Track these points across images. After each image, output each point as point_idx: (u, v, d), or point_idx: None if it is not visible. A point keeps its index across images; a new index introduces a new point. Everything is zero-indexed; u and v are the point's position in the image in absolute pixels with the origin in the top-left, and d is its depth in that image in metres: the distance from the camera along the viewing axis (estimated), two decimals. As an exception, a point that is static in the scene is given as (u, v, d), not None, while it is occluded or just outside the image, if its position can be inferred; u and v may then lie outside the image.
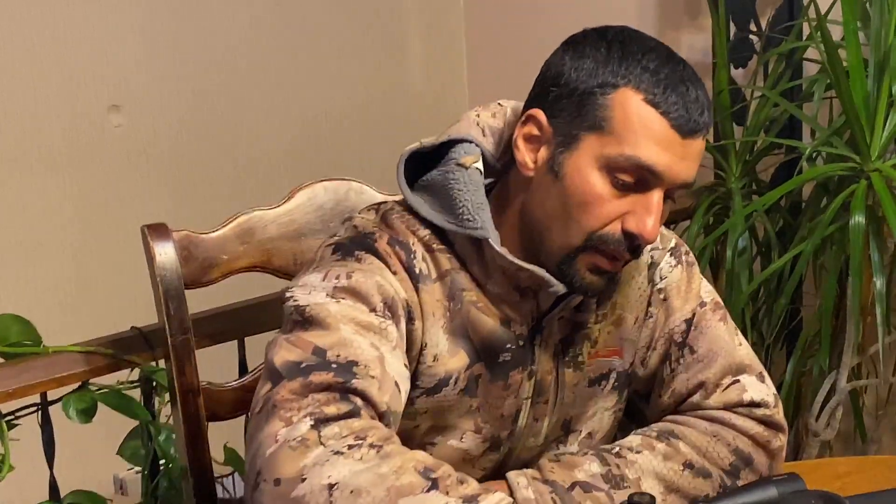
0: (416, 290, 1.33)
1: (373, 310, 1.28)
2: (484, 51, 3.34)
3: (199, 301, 1.67)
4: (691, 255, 1.52)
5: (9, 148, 2.63)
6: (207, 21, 2.89)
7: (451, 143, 1.40)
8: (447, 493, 1.16)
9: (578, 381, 1.44)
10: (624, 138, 1.27)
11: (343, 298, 1.29)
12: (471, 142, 1.39)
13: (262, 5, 2.98)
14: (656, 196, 1.28)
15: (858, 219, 2.14)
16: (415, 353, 1.35)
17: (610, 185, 1.28)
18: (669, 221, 2.56)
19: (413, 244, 1.35)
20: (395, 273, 1.32)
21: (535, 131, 1.33)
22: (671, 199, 1.33)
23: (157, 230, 1.57)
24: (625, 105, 1.27)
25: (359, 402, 1.23)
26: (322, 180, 1.65)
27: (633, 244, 1.30)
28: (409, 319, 1.32)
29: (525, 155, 1.34)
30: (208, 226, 1.62)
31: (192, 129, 2.89)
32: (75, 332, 1.95)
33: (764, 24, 2.68)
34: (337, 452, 1.17)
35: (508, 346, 1.38)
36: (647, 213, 1.28)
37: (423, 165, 1.41)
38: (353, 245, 1.34)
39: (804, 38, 2.51)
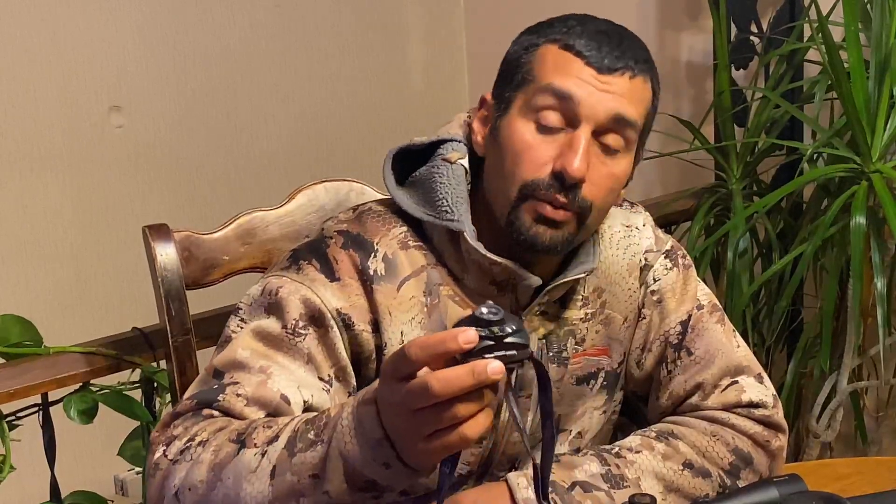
0: (369, 292, 1.35)
1: (284, 326, 1.32)
2: (484, 51, 3.34)
3: (200, 302, 1.68)
4: (688, 258, 1.52)
5: (10, 149, 2.63)
6: (207, 22, 2.89)
7: (441, 143, 1.42)
8: (255, 445, 1.19)
9: (562, 377, 1.44)
10: (542, 78, 1.32)
11: (267, 315, 1.33)
12: (460, 141, 1.41)
13: (262, 6, 2.98)
14: (581, 133, 1.30)
15: (859, 220, 2.14)
16: (367, 355, 1.36)
17: (535, 129, 1.32)
18: (670, 222, 2.56)
19: (378, 243, 1.36)
20: (337, 279, 1.34)
21: (485, 111, 1.39)
22: (620, 136, 1.32)
23: (159, 231, 1.57)
24: (544, 56, 1.33)
25: (216, 413, 1.28)
26: (323, 181, 1.66)
27: (563, 184, 1.30)
28: (347, 327, 1.34)
29: (478, 135, 1.39)
30: (209, 226, 1.62)
31: (192, 130, 2.89)
32: (76, 332, 1.96)
33: (765, 26, 2.68)
34: (175, 462, 1.24)
35: None
36: (570, 149, 1.30)
37: (415, 166, 1.42)
38: (306, 252, 1.38)
39: (805, 39, 2.52)
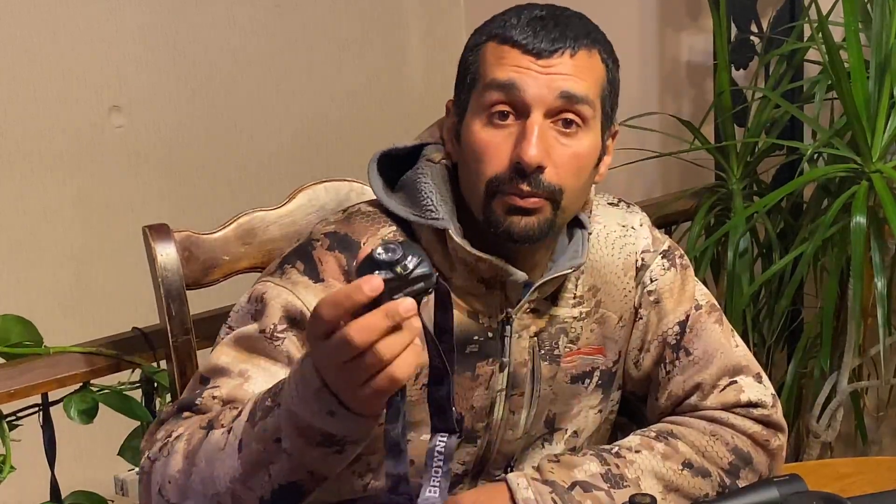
0: None
1: (263, 330, 1.33)
2: (485, 52, 3.34)
3: (200, 302, 1.68)
4: (685, 258, 1.52)
5: (10, 149, 2.63)
6: (207, 22, 2.89)
7: (424, 146, 1.43)
8: (221, 425, 1.22)
9: (555, 375, 1.44)
10: (485, 75, 1.33)
11: (251, 321, 1.35)
12: (442, 144, 1.42)
13: (262, 6, 2.98)
14: (533, 121, 1.30)
15: (859, 220, 2.14)
16: None
17: (490, 126, 1.32)
18: (670, 222, 2.56)
19: (365, 243, 1.37)
20: (321, 281, 1.35)
21: (451, 119, 1.40)
22: (574, 113, 1.31)
23: (159, 231, 1.57)
24: (485, 54, 1.34)
25: (194, 415, 1.31)
26: (323, 181, 1.66)
27: (523, 173, 1.30)
28: None
29: (447, 143, 1.40)
30: (209, 226, 1.62)
31: (192, 130, 2.89)
32: (76, 332, 1.96)
33: (765, 26, 2.68)
34: (155, 460, 1.28)
35: (476, 337, 1.38)
36: (524, 138, 1.30)
37: (401, 169, 1.43)
38: (292, 255, 1.39)
39: (805, 39, 2.52)
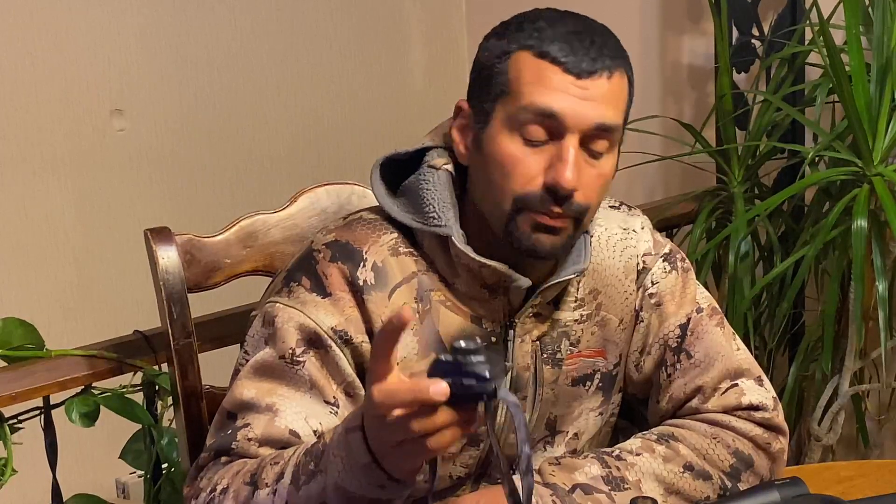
0: (361, 302, 1.35)
1: (283, 356, 1.34)
2: (486, 55, 3.34)
3: (201, 305, 1.68)
4: (687, 261, 1.52)
5: (12, 152, 2.63)
6: (209, 25, 2.90)
7: (427, 150, 1.42)
8: (266, 484, 1.23)
9: (557, 378, 1.44)
10: (521, 93, 1.30)
11: (266, 346, 1.36)
12: (444, 148, 1.41)
13: (264, 10, 2.98)
14: (568, 144, 1.29)
15: (861, 223, 2.14)
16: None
17: (521, 143, 1.31)
18: (671, 225, 2.56)
19: (366, 252, 1.36)
20: (329, 295, 1.35)
21: (464, 120, 1.37)
22: (605, 140, 1.31)
23: (160, 234, 1.57)
24: (519, 65, 1.31)
25: (233, 459, 1.32)
26: (324, 184, 1.66)
27: (557, 196, 1.30)
28: (346, 342, 1.34)
29: (459, 145, 1.38)
30: (211, 229, 1.62)
31: (194, 133, 2.90)
32: (78, 335, 1.96)
33: (766, 29, 2.68)
34: None
35: None
36: (560, 161, 1.29)
37: (404, 173, 1.42)
38: (297, 270, 1.38)
39: (806, 42, 2.52)
